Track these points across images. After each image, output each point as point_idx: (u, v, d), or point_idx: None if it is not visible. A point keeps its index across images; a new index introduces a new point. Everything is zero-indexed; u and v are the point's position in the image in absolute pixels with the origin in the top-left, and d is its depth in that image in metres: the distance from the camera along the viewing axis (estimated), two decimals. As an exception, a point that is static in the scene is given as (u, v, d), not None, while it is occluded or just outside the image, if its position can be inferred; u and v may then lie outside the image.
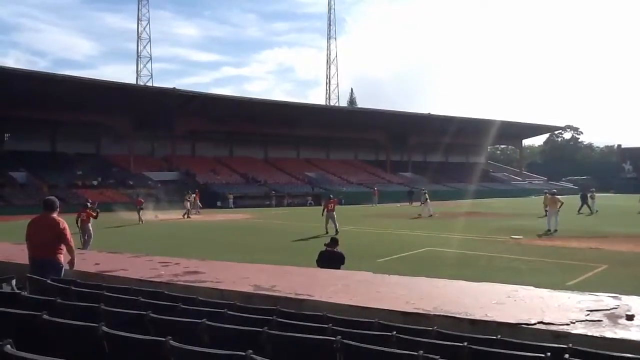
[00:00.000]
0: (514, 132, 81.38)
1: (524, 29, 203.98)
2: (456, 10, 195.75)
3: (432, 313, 4.53)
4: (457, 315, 4.44)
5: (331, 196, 25.91)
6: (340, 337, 2.84)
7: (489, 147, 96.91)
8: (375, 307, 4.79)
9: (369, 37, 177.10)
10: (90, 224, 17.71)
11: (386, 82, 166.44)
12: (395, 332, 3.37)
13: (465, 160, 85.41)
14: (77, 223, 17.36)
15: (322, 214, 23.62)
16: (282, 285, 5.80)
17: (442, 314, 4.51)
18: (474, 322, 4.30)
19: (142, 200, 31.13)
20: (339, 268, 8.84)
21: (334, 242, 9.71)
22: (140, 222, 28.78)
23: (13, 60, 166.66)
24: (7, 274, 6.42)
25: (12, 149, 52.58)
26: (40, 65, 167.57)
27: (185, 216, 33.91)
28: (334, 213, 23.24)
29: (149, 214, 31.94)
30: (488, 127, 70.65)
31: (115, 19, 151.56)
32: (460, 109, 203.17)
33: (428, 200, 34.07)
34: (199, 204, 38.84)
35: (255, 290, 5.60)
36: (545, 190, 26.65)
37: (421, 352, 2.59)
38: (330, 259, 9.22)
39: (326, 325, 3.52)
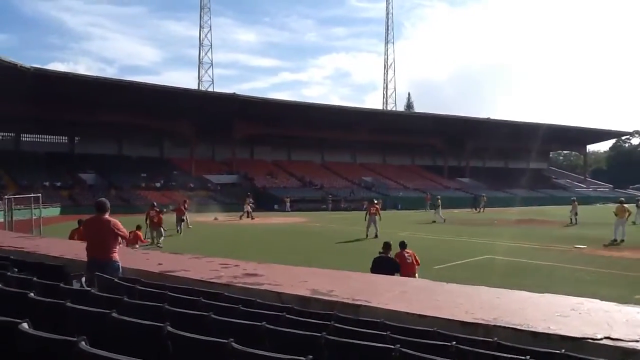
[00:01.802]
0: (578, 137, 78.50)
1: (586, 30, 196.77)
2: (515, 14, 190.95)
3: (492, 324, 4.41)
4: (519, 327, 4.30)
5: (374, 200, 25.91)
6: (399, 345, 2.82)
7: (551, 153, 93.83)
8: (433, 315, 4.71)
9: (427, 41, 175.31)
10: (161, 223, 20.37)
11: (444, 86, 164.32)
12: (454, 342, 3.31)
13: (526, 166, 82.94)
14: (145, 221, 19.51)
15: (365, 218, 23.68)
16: (339, 290, 5.80)
17: (502, 324, 4.38)
18: (535, 335, 4.16)
19: (184, 209, 25.32)
20: (393, 275, 8.66)
21: (387, 247, 9.50)
22: (178, 232, 23.97)
23: (84, 67, 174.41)
24: (76, 271, 6.73)
25: (82, 152, 55.20)
26: (109, 72, 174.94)
27: (242, 217, 34.62)
28: (377, 217, 23.25)
29: (209, 217, 32.69)
30: (550, 132, 68.43)
31: (178, 26, 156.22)
32: (521, 113, 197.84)
33: (440, 207, 34.53)
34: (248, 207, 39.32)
35: (313, 295, 5.62)
36: (621, 199, 25.36)
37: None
38: (385, 265, 9.06)
39: (384, 333, 3.51)
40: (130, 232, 16.47)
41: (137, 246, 16.76)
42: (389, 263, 9.13)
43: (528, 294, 6.04)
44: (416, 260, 10.51)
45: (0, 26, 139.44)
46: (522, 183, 69.19)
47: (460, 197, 59.62)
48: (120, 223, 7.07)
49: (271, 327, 3.16)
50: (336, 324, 3.73)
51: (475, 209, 46.15)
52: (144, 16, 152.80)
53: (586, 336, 4.02)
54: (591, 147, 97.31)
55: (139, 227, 18.06)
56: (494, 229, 27.98)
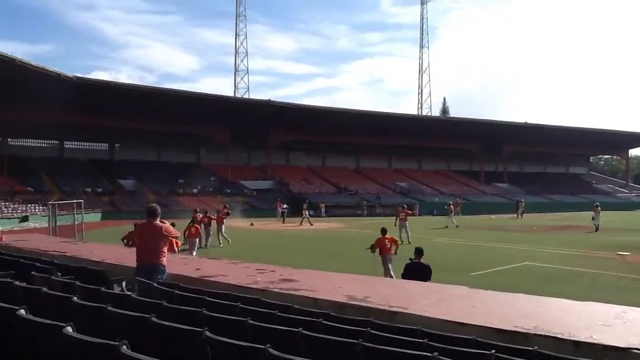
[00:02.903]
0: (619, 141, 76.18)
1: (630, 31, 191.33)
2: (553, 15, 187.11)
3: (532, 332, 4.32)
4: (560, 336, 4.20)
5: (404, 205, 25.79)
6: (436, 353, 2.79)
7: (591, 158, 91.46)
8: (471, 323, 4.64)
9: (462, 44, 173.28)
10: (211, 227, 21.91)
11: (480, 90, 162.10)
12: (494, 350, 3.26)
13: (565, 171, 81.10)
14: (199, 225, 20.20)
15: (395, 224, 23.33)
16: (375, 297, 5.78)
17: (543, 333, 4.28)
18: (577, 344, 4.05)
19: (223, 217, 23.26)
20: (426, 281, 8.51)
21: (419, 253, 9.37)
22: (220, 243, 22.22)
23: (125, 76, 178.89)
24: (117, 275, 6.90)
25: (122, 159, 56.49)
26: (149, 80, 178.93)
27: (305, 223, 35.51)
28: (407, 223, 23.13)
29: (245, 222, 33.02)
30: (590, 136, 66.79)
31: (214, 34, 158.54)
32: (560, 117, 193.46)
33: (452, 212, 34.40)
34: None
35: (349, 301, 5.61)
36: None
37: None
38: (417, 271, 8.93)
39: (421, 340, 3.47)
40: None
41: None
42: (421, 269, 8.99)
43: (569, 302, 5.90)
44: (395, 243, 13.62)
45: (46, 36, 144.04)
46: (562, 188, 67.67)
47: (497, 203, 58.70)
48: (169, 228, 7.25)
49: (307, 333, 3.16)
50: (372, 331, 3.71)
51: (520, 216, 45.17)
52: (180, 25, 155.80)
53: (631, 346, 3.90)
54: (633, 152, 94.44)
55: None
56: (533, 235, 27.44)
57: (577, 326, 4.49)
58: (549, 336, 4.22)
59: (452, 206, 35.48)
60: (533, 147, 68.11)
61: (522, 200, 49.78)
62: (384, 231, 13.87)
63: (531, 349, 3.61)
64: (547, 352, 3.56)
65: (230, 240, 22.17)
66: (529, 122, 66.15)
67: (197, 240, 19.13)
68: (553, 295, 6.54)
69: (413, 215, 37.12)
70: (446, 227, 32.11)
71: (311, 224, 35.38)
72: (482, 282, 11.84)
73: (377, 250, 13.48)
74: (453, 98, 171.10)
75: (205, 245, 21.08)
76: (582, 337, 4.15)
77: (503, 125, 65.64)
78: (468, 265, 15.43)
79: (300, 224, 35.37)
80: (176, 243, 15.75)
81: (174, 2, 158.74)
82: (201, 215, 21.98)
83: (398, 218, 23.65)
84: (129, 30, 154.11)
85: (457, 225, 32.31)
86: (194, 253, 17.50)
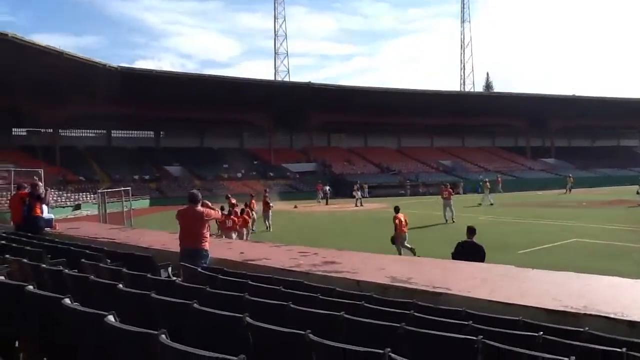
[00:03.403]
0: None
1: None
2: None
3: (582, 312, 4.17)
4: (613, 316, 4.04)
5: (447, 184, 25.41)
6: (481, 336, 2.72)
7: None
8: (518, 303, 4.51)
9: (504, 17, 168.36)
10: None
11: (524, 64, 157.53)
12: (541, 332, 3.17)
13: (616, 144, 78.11)
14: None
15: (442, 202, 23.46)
16: (418, 278, 5.71)
17: (594, 313, 4.13)
18: (633, 325, 3.89)
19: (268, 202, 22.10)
20: (478, 261, 8.09)
21: (471, 231, 8.96)
22: (268, 228, 21.59)
23: (167, 64, 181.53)
24: (164, 261, 7.04)
25: (167, 146, 57.72)
26: (189, 67, 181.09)
27: (358, 204, 35.84)
28: (451, 201, 22.82)
29: (289, 205, 33.26)
30: (641, 106, 63.97)
31: (253, 18, 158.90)
32: (609, 88, 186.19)
33: (489, 189, 34.19)
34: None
35: (392, 282, 5.56)
36: None
37: (573, 358, 2.40)
38: (469, 251, 8.52)
39: (466, 323, 3.40)
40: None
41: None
42: (474, 249, 8.60)
43: (621, 279, 5.71)
44: (406, 222, 14.19)
45: (90, 28, 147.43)
46: (612, 162, 65.38)
47: (544, 179, 57.29)
48: (211, 212, 7.38)
49: (349, 317, 3.14)
50: (415, 313, 3.65)
51: (569, 191, 43.90)
52: (220, 10, 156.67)
53: (690, 326, 3.73)
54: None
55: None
56: (582, 210, 26.64)
57: (631, 305, 4.32)
58: (600, 316, 4.08)
59: (487, 183, 34.84)
60: (581, 120, 65.90)
61: (571, 175, 48.42)
62: (397, 209, 14.64)
63: (582, 330, 3.49)
64: (599, 334, 3.43)
65: (271, 229, 21.28)
66: (576, 94, 63.97)
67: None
68: (604, 273, 6.31)
69: (457, 193, 36.53)
70: (479, 204, 31.56)
71: (361, 205, 35.44)
72: (529, 260, 11.59)
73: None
74: (497, 72, 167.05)
75: (252, 230, 20.06)
76: (637, 316, 3.99)
77: (550, 99, 63.54)
78: (514, 244, 15.12)
79: (356, 205, 35.50)
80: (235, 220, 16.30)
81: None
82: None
83: (442, 197, 23.39)
84: (169, 19, 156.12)
85: (492, 204, 31.65)
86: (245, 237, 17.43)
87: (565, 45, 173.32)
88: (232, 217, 16.39)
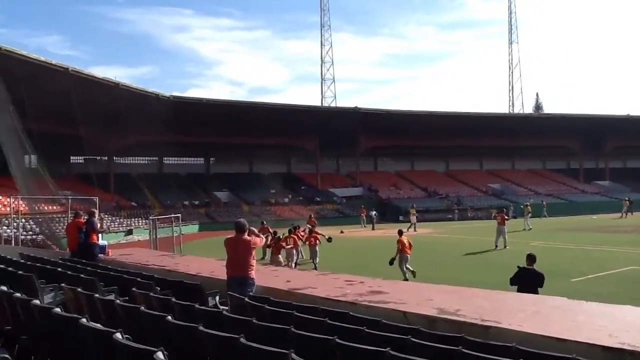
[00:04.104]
0: None
1: None
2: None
3: (640, 350, 4.00)
4: (673, 355, 3.86)
5: (504, 209, 24.87)
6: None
7: None
8: (571, 339, 4.35)
9: (553, 37, 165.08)
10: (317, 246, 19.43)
11: (575, 84, 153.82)
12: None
13: (674, 165, 74.76)
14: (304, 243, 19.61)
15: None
16: (467, 310, 5.59)
17: (653, 351, 3.96)
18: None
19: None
20: (537, 290, 8.32)
21: (532, 259, 9.02)
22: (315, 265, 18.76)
23: (217, 92, 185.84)
24: (211, 289, 7.15)
25: (216, 172, 58.90)
26: (239, 93, 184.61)
27: (410, 229, 34.24)
28: (504, 227, 22.24)
29: (336, 230, 33.17)
30: None
31: (301, 45, 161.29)
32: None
33: (530, 214, 33.53)
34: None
35: (439, 314, 5.47)
36: None
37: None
38: (528, 278, 8.65)
39: (516, 360, 3.31)
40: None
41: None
42: (533, 276, 8.65)
43: (684, 314, 5.43)
44: (409, 245, 15.26)
45: (144, 59, 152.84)
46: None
47: (598, 202, 55.31)
48: (257, 239, 7.54)
49: (395, 354, 3.11)
50: (464, 350, 3.57)
51: (625, 215, 42.26)
52: (268, 39, 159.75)
53: None
54: None
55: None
56: (639, 236, 25.53)
57: (693, 343, 4.11)
58: (660, 355, 3.89)
59: (528, 207, 33.96)
60: (637, 140, 63.46)
61: (627, 198, 46.58)
62: (400, 232, 16.06)
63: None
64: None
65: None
66: (632, 114, 61.82)
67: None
68: (665, 305, 6.02)
69: (512, 218, 35.50)
70: (523, 229, 30.74)
71: (415, 230, 34.34)
72: (583, 290, 11.21)
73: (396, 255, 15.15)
74: (547, 93, 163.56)
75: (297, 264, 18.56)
76: (699, 356, 3.79)
77: (602, 119, 61.47)
78: (567, 271, 14.60)
79: (408, 230, 33.86)
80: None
81: (262, 17, 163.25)
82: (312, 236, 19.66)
83: (497, 222, 22.93)
84: (220, 48, 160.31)
85: (530, 229, 30.92)
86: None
87: (617, 64, 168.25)
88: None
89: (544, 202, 46.84)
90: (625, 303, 6.14)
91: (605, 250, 20.09)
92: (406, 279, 14.10)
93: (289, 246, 17.74)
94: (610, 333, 4.49)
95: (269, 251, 18.86)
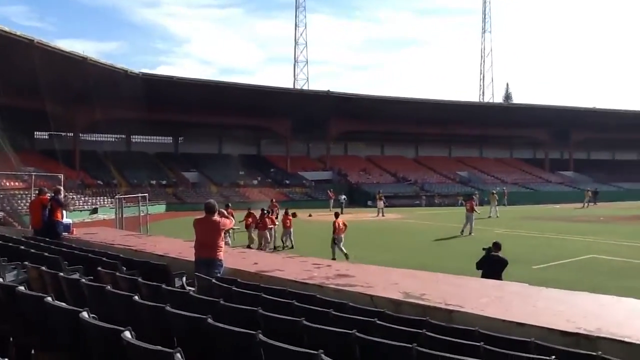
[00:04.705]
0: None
1: None
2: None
3: (595, 334, 4.13)
4: (628, 340, 3.99)
5: (473, 196, 25.38)
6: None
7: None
8: (531, 324, 4.48)
9: (525, 29, 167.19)
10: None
11: (545, 75, 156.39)
12: (554, 356, 3.16)
13: (637, 157, 77.04)
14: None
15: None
16: (432, 294, 5.70)
17: (608, 336, 4.08)
18: (648, 350, 3.85)
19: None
20: (500, 275, 8.78)
21: (497, 246, 9.54)
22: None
23: (187, 70, 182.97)
24: (179, 269, 7.11)
25: (185, 152, 58.15)
26: (209, 72, 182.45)
27: (380, 214, 35.40)
28: (472, 215, 22.71)
29: (304, 213, 33.23)
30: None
31: (273, 26, 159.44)
32: (630, 101, 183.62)
33: (496, 201, 34.53)
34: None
35: (405, 298, 5.56)
36: None
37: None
38: (493, 263, 9.18)
39: (478, 344, 3.40)
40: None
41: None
42: (499, 262, 9.19)
43: (638, 301, 5.63)
44: (345, 226, 16.84)
45: (113, 34, 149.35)
46: (632, 176, 64.52)
47: (562, 192, 56.69)
48: (225, 223, 7.46)
49: (361, 336, 3.15)
50: (428, 333, 3.65)
51: (591, 204, 43.47)
52: (240, 17, 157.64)
53: None
54: None
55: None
56: (600, 225, 26.31)
57: (648, 329, 4.27)
58: (614, 340, 4.03)
59: (495, 195, 34.81)
60: (601, 133, 65.10)
61: (589, 188, 47.84)
62: (337, 215, 17.45)
63: (594, 354, 3.47)
64: (612, 358, 3.41)
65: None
66: (597, 107, 63.31)
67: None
68: (621, 292, 6.26)
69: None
70: (489, 216, 31.30)
71: (382, 215, 35.06)
72: (543, 277, 11.52)
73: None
74: (517, 83, 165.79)
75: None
76: (653, 341, 3.93)
77: (570, 111, 62.87)
78: (529, 258, 14.96)
79: (377, 215, 35.14)
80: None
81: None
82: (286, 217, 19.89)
83: (466, 209, 23.36)
84: (191, 25, 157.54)
85: (497, 217, 31.72)
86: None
87: (586, 57, 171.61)
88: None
89: (505, 190, 47.92)
90: (583, 290, 6.36)
91: (567, 239, 20.63)
92: (334, 258, 14.57)
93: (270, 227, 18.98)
94: (568, 318, 4.63)
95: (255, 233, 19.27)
